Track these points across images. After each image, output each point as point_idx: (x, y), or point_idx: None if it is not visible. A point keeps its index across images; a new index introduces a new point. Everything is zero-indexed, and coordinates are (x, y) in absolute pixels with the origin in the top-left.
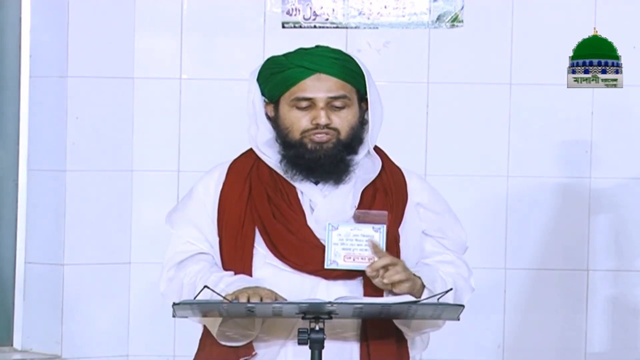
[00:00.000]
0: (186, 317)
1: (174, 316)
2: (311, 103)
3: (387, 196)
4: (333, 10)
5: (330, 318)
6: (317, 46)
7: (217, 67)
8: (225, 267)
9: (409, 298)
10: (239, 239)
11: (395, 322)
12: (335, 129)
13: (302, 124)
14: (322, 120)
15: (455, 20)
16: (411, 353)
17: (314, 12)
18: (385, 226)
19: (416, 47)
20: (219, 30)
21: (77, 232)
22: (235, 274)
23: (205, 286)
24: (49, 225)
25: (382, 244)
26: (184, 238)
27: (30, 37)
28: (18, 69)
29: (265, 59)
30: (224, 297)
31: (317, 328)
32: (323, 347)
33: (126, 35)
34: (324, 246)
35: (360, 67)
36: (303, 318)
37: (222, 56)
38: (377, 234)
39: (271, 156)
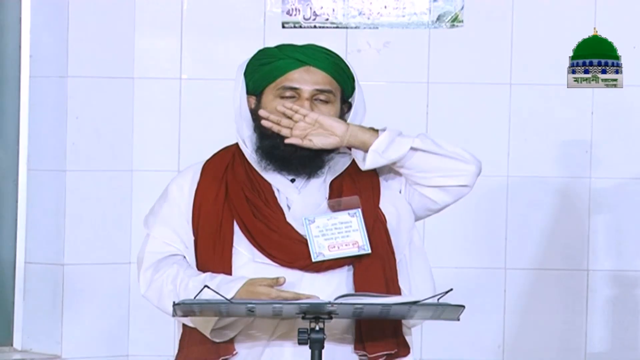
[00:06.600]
0: (185, 316)
1: (173, 316)
2: (296, 94)
3: (354, 181)
4: (333, 10)
5: (330, 318)
6: (310, 44)
7: (217, 67)
8: (202, 268)
9: (410, 298)
10: (217, 239)
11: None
12: None
13: None
14: None
15: (455, 20)
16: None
17: (314, 12)
18: (360, 210)
19: (416, 47)
20: (219, 30)
21: (77, 232)
22: (215, 273)
23: (205, 286)
24: (49, 225)
25: (361, 227)
26: (159, 239)
27: (30, 37)
28: (18, 69)
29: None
30: (225, 297)
31: (317, 328)
32: (323, 347)
33: (126, 35)
34: (307, 240)
35: (350, 69)
36: (303, 318)
37: (222, 56)
38: (354, 218)
39: (250, 151)
